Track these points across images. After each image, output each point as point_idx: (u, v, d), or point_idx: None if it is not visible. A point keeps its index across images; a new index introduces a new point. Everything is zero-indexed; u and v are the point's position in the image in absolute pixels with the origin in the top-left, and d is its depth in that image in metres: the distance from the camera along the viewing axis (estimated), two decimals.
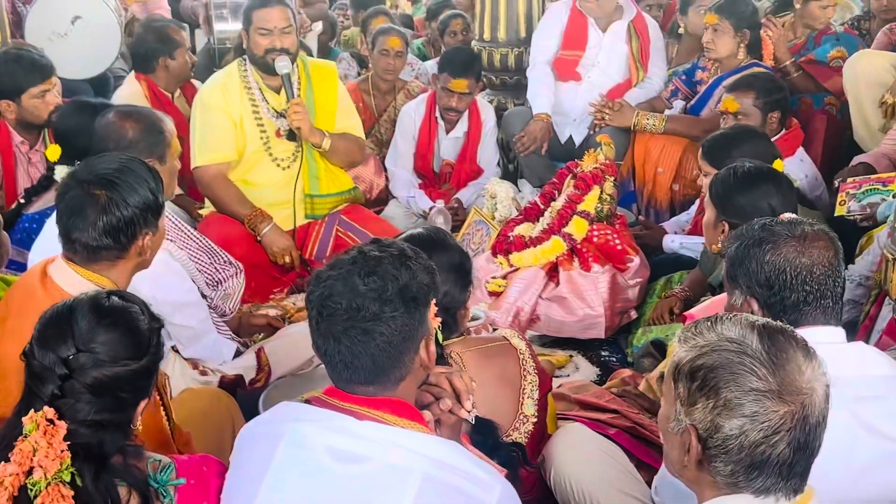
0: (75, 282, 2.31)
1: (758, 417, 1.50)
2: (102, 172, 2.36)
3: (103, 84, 5.57)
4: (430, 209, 4.74)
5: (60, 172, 3.43)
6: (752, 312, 2.11)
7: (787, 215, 2.58)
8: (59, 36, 5.30)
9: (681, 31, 5.31)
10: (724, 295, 2.67)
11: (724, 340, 1.55)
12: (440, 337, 2.07)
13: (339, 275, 1.81)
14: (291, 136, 4.17)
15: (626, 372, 3.25)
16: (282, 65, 4.04)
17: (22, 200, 3.61)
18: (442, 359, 2.17)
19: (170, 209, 3.03)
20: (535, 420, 2.48)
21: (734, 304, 2.18)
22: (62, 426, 1.68)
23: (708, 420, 1.53)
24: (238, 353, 3.27)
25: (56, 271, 2.36)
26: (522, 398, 2.47)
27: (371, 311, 1.76)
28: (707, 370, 1.54)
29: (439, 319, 1.93)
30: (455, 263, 2.45)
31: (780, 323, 1.61)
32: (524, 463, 2.40)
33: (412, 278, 1.82)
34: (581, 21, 4.92)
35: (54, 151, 3.45)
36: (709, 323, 1.60)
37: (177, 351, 3.02)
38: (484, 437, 2.12)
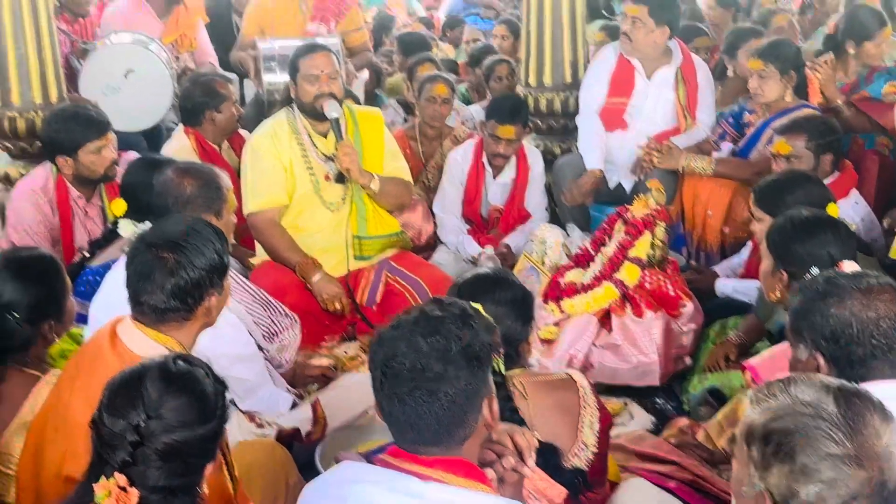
0: (144, 344, 2.34)
1: (835, 484, 1.48)
2: (170, 236, 2.40)
3: (156, 136, 5.66)
4: (479, 255, 4.74)
5: (125, 227, 3.50)
6: (818, 367, 2.09)
7: (847, 263, 2.57)
8: (113, 90, 5.39)
9: (729, 73, 5.29)
10: (785, 344, 2.65)
11: (798, 404, 1.53)
12: (502, 367, 2.10)
13: (402, 335, 1.83)
14: (340, 178, 4.22)
15: (684, 421, 3.22)
16: (330, 109, 4.11)
17: (87, 254, 3.68)
18: (503, 388, 2.19)
19: None
20: (595, 450, 2.50)
21: (799, 359, 2.15)
22: (134, 493, 1.70)
23: (784, 485, 1.51)
24: (294, 405, 3.30)
25: (125, 333, 2.39)
26: (581, 427, 2.49)
27: (435, 371, 1.78)
28: (782, 434, 1.52)
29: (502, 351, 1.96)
30: (518, 298, 2.54)
31: (855, 385, 1.59)
32: (585, 488, 2.44)
33: (475, 337, 1.84)
34: (628, 68, 4.91)
35: (119, 206, 3.53)
36: (781, 385, 1.58)
37: (234, 404, 3.05)
38: (545, 459, 2.13)
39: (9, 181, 4.78)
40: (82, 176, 4.19)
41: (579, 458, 2.46)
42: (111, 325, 2.43)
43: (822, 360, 2.09)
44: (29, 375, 2.60)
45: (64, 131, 4.12)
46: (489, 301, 2.32)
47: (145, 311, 2.37)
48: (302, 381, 3.58)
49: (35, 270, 2.67)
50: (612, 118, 4.93)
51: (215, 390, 1.89)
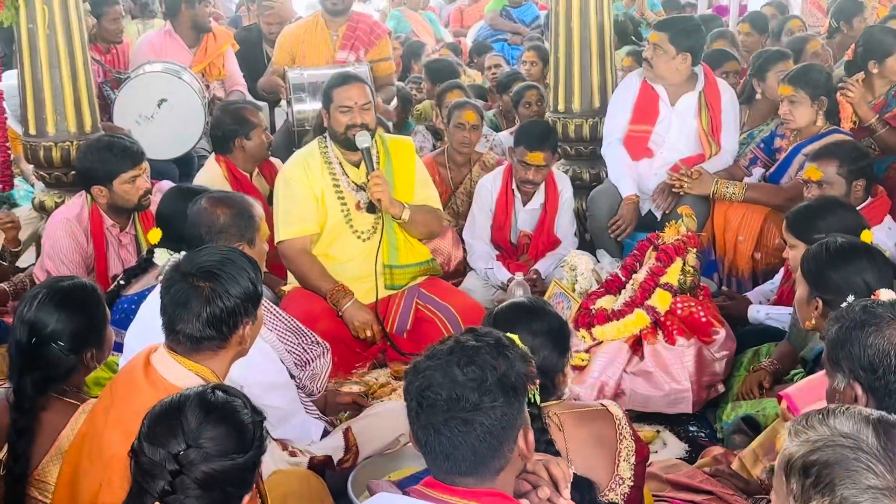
0: (178, 372, 2.36)
1: None
2: (205, 265, 2.42)
3: (188, 163, 5.73)
4: (509, 281, 4.74)
5: (160, 256, 3.54)
6: (856, 396, 2.08)
7: (884, 291, 2.55)
8: (146, 119, 5.48)
9: (758, 96, 5.27)
10: (821, 374, 2.63)
11: (837, 435, 1.52)
12: (537, 398, 2.09)
13: (438, 365, 1.83)
14: (371, 208, 4.25)
15: (718, 449, 3.19)
16: (362, 139, 4.14)
17: (122, 282, 3.71)
18: (539, 420, 2.19)
19: None
20: (632, 484, 2.47)
21: (836, 388, 2.13)
22: None
23: None
24: (325, 433, 3.30)
25: (159, 362, 2.41)
26: (618, 461, 2.46)
27: (471, 401, 1.78)
28: (821, 466, 1.51)
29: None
30: (554, 329, 2.52)
31: (895, 416, 1.58)
32: None
33: (510, 368, 1.84)
34: (652, 95, 4.90)
35: (155, 235, 3.56)
36: (820, 416, 1.57)
37: (266, 432, 3.06)
38: (581, 493, 2.11)
39: (44, 210, 4.86)
40: (117, 205, 4.25)
41: (615, 492, 2.43)
42: (145, 354, 2.45)
43: (859, 390, 2.07)
44: (68, 404, 2.63)
45: (99, 161, 4.18)
46: (526, 331, 2.32)
47: (180, 339, 2.39)
48: (333, 408, 3.58)
49: (77, 300, 2.69)
50: (637, 147, 4.92)
51: (253, 420, 1.91)
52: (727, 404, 3.61)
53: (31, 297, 2.68)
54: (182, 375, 2.34)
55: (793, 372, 3.49)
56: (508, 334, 1.95)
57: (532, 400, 1.98)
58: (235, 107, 5.06)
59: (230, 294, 2.39)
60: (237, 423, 1.87)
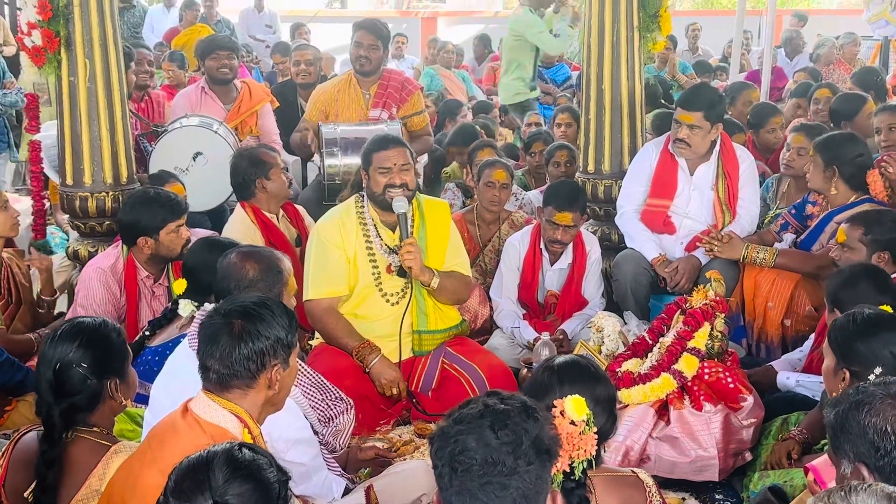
0: (214, 412, 2.41)
1: None
2: (241, 305, 2.49)
3: (220, 214, 5.79)
4: (535, 341, 4.72)
5: (184, 307, 3.57)
6: (863, 479, 2.05)
7: None
8: (181, 171, 5.56)
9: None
10: None
11: None
12: (583, 468, 2.15)
13: (469, 429, 1.82)
14: (402, 272, 4.26)
15: None
16: (399, 204, 4.17)
17: (147, 333, 3.75)
18: (583, 487, 2.22)
19: None
20: None
21: (843, 475, 2.11)
22: None
23: None
24: (347, 490, 3.29)
25: (196, 404, 2.46)
26: None
27: (507, 465, 1.78)
28: None
29: None
30: (612, 397, 2.60)
31: None
32: None
33: (542, 430, 1.84)
34: (670, 166, 4.90)
35: (180, 285, 3.60)
36: (843, 493, 1.56)
37: (290, 491, 3.05)
38: None
39: (77, 259, 4.93)
40: (159, 255, 4.31)
41: None
42: (183, 403, 2.50)
43: (865, 472, 2.07)
44: (97, 444, 2.68)
45: (147, 213, 4.25)
46: (589, 396, 2.34)
47: (210, 376, 2.44)
48: (354, 465, 3.57)
49: (95, 331, 2.79)
50: (655, 222, 4.92)
51: (278, 479, 1.94)
52: (755, 473, 3.56)
53: (53, 333, 2.81)
54: (217, 414, 2.40)
55: (822, 441, 3.43)
56: (573, 396, 1.96)
57: (581, 468, 1.98)
58: (250, 151, 5.10)
59: (261, 334, 2.43)
60: (263, 480, 1.89)
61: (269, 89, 7.26)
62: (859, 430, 2.08)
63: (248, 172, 4.89)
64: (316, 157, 6.06)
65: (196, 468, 1.88)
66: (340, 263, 4.25)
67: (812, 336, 4.07)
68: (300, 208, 5.17)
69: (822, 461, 2.63)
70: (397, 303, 4.30)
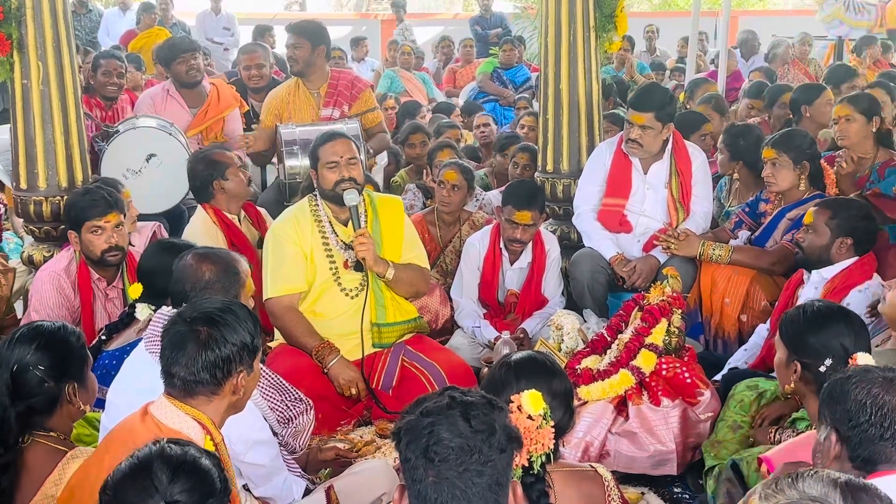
0: (176, 417, 2.40)
1: None
2: (206, 311, 2.47)
3: (178, 217, 5.74)
4: (496, 340, 4.74)
5: (141, 311, 3.54)
6: (832, 445, 2.12)
7: (862, 356, 2.57)
8: (134, 173, 5.51)
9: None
10: (801, 437, 2.65)
11: (806, 499, 1.53)
12: (542, 461, 2.15)
13: (440, 420, 1.83)
14: (359, 266, 4.28)
15: None
16: (350, 197, 4.19)
17: (103, 337, 3.71)
18: (542, 482, 2.26)
19: None
20: None
21: (820, 441, 2.20)
22: None
23: None
24: (307, 491, 3.28)
25: (157, 408, 2.44)
26: None
27: (483, 452, 1.79)
28: None
29: None
30: (569, 391, 2.61)
31: (863, 480, 1.59)
32: None
33: (507, 421, 1.86)
34: (624, 164, 4.94)
35: (136, 289, 3.57)
36: (790, 479, 1.58)
37: (248, 490, 3.04)
38: None
39: (32, 264, 4.86)
40: (86, 255, 4.24)
41: None
42: (143, 406, 2.48)
43: (834, 438, 2.15)
44: (54, 449, 2.66)
45: (74, 207, 4.22)
46: (546, 390, 2.38)
47: (175, 382, 2.43)
48: (314, 466, 3.57)
49: (54, 334, 2.77)
50: (612, 221, 4.96)
51: (212, 462, 1.95)
52: (711, 478, 3.51)
53: (10, 337, 2.78)
54: (179, 419, 2.38)
55: (794, 415, 3.43)
56: (530, 391, 1.98)
57: (539, 462, 2.00)
58: (204, 153, 5.05)
59: (227, 340, 2.43)
60: (202, 470, 1.93)
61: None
62: (842, 397, 2.16)
63: (204, 175, 4.85)
64: (275, 159, 6.04)
65: (136, 474, 1.89)
66: (297, 260, 4.27)
67: (766, 325, 4.15)
68: (262, 210, 5.15)
69: (775, 452, 2.68)
70: (356, 297, 4.31)
